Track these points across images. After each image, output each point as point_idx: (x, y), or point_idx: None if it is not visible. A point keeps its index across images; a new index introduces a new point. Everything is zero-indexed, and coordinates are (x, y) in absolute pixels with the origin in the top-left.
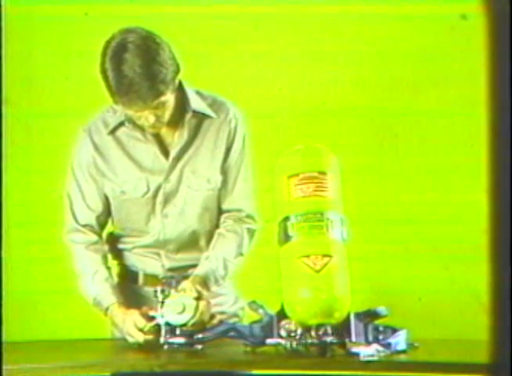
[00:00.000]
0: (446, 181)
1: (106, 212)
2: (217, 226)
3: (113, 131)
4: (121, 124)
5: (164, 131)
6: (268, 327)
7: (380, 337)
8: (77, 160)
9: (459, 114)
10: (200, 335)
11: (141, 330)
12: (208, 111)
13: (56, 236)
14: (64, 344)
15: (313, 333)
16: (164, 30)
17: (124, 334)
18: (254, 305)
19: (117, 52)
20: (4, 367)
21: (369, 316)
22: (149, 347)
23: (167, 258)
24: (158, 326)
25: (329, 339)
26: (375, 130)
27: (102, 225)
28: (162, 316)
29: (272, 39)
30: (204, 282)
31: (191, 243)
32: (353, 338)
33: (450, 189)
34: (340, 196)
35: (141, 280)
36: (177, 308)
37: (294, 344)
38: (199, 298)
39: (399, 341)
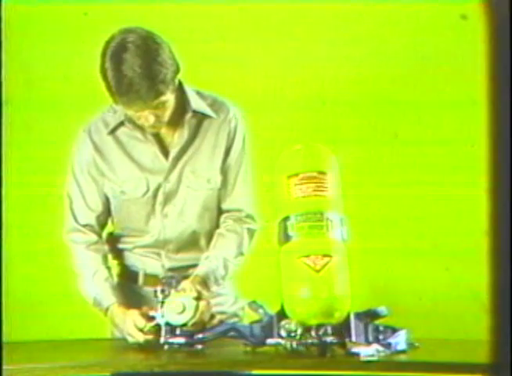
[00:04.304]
0: (446, 181)
1: (106, 212)
2: (217, 226)
3: (113, 131)
4: (121, 124)
5: (164, 131)
6: (268, 327)
7: (380, 337)
8: (77, 161)
9: (460, 114)
10: (200, 335)
11: (141, 330)
12: (208, 111)
13: (56, 236)
14: (64, 344)
15: (313, 333)
16: (164, 30)
17: (124, 334)
18: (254, 305)
19: (116, 52)
20: (4, 367)
21: (369, 316)
22: (149, 347)
23: (167, 258)
24: (158, 326)
25: (329, 339)
26: (375, 129)
27: (102, 225)
28: (162, 316)
29: (272, 39)
30: (204, 282)
31: (191, 243)
32: (353, 338)
33: (450, 189)
34: (340, 196)
35: (141, 280)
36: (177, 308)
37: (294, 344)
38: (199, 298)
39: (399, 341)
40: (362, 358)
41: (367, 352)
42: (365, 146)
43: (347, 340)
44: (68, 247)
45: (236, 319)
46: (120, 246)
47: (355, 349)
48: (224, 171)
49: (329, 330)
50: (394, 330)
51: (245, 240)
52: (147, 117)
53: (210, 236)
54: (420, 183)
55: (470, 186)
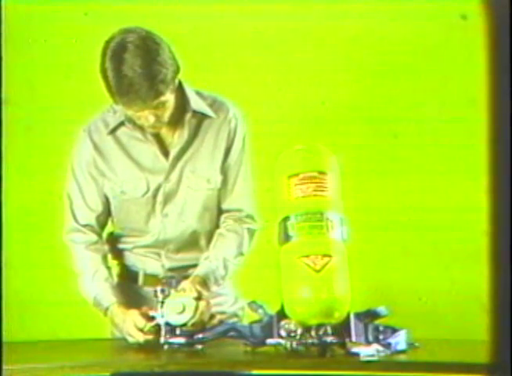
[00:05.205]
0: (446, 181)
1: (106, 212)
2: (217, 226)
3: (113, 131)
4: (121, 124)
5: (164, 131)
6: (268, 327)
7: (380, 337)
8: (77, 160)
9: (459, 115)
10: (200, 335)
11: (141, 330)
12: (208, 111)
13: (56, 236)
14: (64, 344)
15: (313, 333)
16: (164, 30)
17: (124, 334)
18: (254, 305)
19: (116, 52)
20: (4, 367)
21: (369, 316)
22: (149, 347)
23: (167, 258)
24: (158, 326)
25: (329, 339)
26: (375, 130)
27: (102, 225)
28: (162, 316)
29: (271, 39)
30: (204, 282)
31: (191, 243)
32: (353, 338)
33: (450, 190)
34: (340, 196)
35: (141, 280)
36: (177, 308)
37: (294, 344)
38: (199, 298)
39: (399, 341)
40: (362, 358)
41: (367, 352)
42: (364, 146)
43: (347, 340)
44: (68, 247)
45: (236, 319)
46: (120, 246)
47: (355, 349)
48: (224, 171)
49: (329, 330)
50: (394, 330)
51: (245, 240)
52: (147, 117)
53: (210, 236)
54: (419, 183)
55: (471, 187)
